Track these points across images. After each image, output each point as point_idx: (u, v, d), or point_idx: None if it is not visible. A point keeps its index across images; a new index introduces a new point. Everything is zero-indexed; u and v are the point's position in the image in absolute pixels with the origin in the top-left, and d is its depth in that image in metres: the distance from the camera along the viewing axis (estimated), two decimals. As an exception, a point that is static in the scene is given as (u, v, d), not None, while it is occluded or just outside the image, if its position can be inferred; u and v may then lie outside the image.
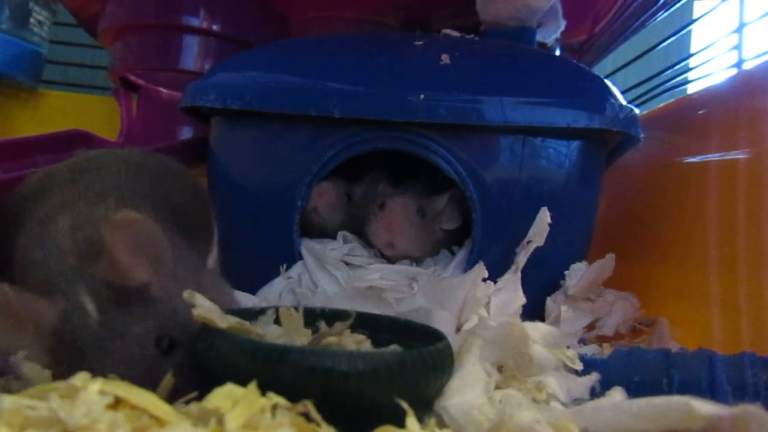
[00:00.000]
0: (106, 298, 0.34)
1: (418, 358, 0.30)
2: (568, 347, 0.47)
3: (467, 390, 0.32)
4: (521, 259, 0.53)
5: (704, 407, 0.26)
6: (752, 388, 0.33)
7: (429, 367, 0.30)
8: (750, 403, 0.26)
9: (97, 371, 0.30)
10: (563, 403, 0.35)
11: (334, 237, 0.59)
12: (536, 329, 0.42)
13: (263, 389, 0.27)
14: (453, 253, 0.59)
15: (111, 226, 0.32)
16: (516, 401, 0.32)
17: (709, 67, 0.72)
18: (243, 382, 0.28)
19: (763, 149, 0.51)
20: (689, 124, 0.64)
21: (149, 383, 0.30)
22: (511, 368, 0.36)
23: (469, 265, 0.55)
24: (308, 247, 0.57)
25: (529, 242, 0.53)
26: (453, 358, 0.33)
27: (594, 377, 0.37)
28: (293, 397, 0.27)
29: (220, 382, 0.28)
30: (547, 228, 0.53)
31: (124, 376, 0.30)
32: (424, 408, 0.32)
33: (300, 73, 0.55)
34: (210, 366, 0.31)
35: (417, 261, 0.58)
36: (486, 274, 0.50)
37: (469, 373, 0.33)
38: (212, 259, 0.48)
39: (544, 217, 0.53)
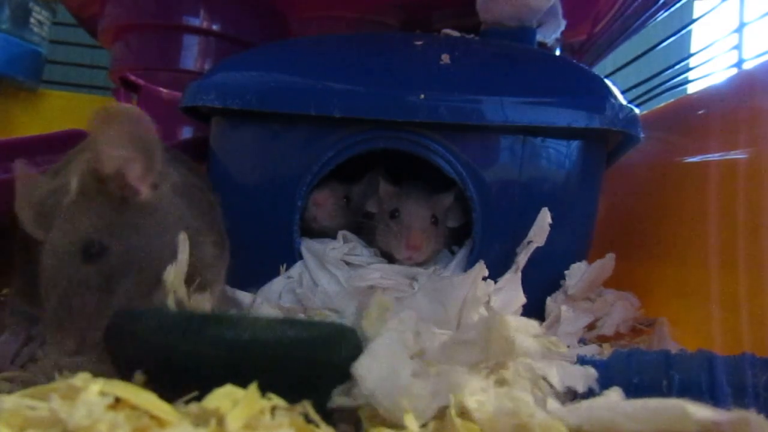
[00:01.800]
0: (89, 184, 0.34)
1: (313, 328, 0.31)
2: (568, 346, 0.48)
3: (381, 363, 0.31)
4: (521, 258, 0.53)
5: (699, 411, 0.26)
6: (752, 389, 0.33)
7: (328, 337, 0.31)
8: (750, 405, 0.26)
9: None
10: (557, 390, 0.35)
11: (334, 237, 0.59)
12: (517, 321, 0.42)
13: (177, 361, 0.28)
14: (453, 253, 0.59)
15: (100, 113, 0.33)
16: (513, 397, 0.32)
17: (709, 67, 0.72)
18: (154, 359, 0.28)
19: (763, 149, 0.51)
20: (689, 124, 0.64)
21: (63, 282, 0.32)
22: (497, 356, 0.35)
23: (469, 264, 0.55)
24: (308, 246, 0.57)
25: (529, 242, 0.53)
26: (355, 334, 0.33)
27: (589, 370, 0.37)
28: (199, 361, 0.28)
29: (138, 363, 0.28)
30: (548, 228, 0.53)
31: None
32: (333, 378, 0.31)
33: (300, 73, 0.55)
34: (130, 349, 0.31)
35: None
36: (486, 273, 0.50)
37: (379, 344, 0.32)
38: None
39: (545, 217, 0.53)
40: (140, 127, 0.34)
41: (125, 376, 0.29)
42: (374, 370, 0.30)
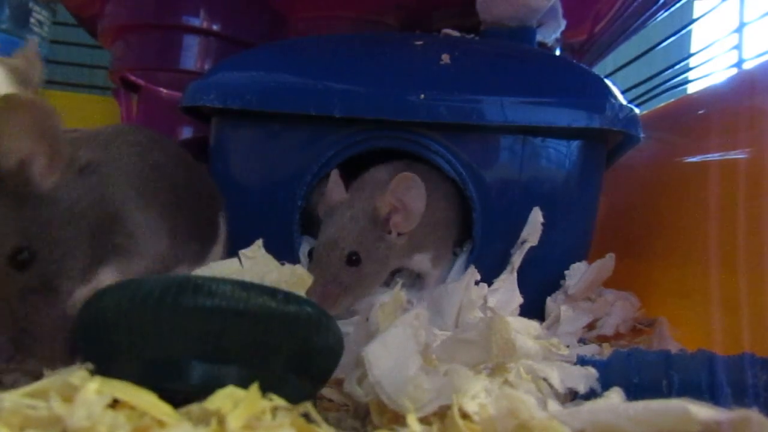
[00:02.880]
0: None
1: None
2: (568, 346, 0.48)
3: (391, 352, 0.31)
4: (516, 259, 0.53)
5: (701, 411, 0.26)
6: (752, 389, 0.33)
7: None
8: (750, 405, 0.26)
9: None
10: (557, 391, 0.35)
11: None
12: (518, 322, 0.42)
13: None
14: (455, 254, 0.59)
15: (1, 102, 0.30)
16: (515, 397, 0.32)
17: (709, 67, 0.72)
18: (130, 332, 0.27)
19: (763, 149, 0.51)
20: (689, 124, 0.64)
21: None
22: (498, 357, 0.36)
23: (469, 264, 0.55)
24: (309, 246, 0.57)
25: (523, 242, 0.53)
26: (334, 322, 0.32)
27: (590, 370, 0.37)
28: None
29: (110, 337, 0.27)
30: (541, 228, 0.53)
31: None
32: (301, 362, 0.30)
33: (300, 73, 0.55)
34: (97, 320, 0.29)
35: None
36: (478, 277, 0.50)
37: (391, 334, 0.32)
38: (216, 254, 0.48)
39: (537, 217, 0.53)
40: (41, 116, 0.30)
41: (102, 366, 0.28)
42: (383, 359, 0.30)
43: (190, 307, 0.27)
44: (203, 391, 0.26)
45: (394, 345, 0.31)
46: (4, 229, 0.30)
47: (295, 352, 0.29)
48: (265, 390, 0.27)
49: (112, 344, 0.28)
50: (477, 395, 0.30)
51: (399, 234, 0.50)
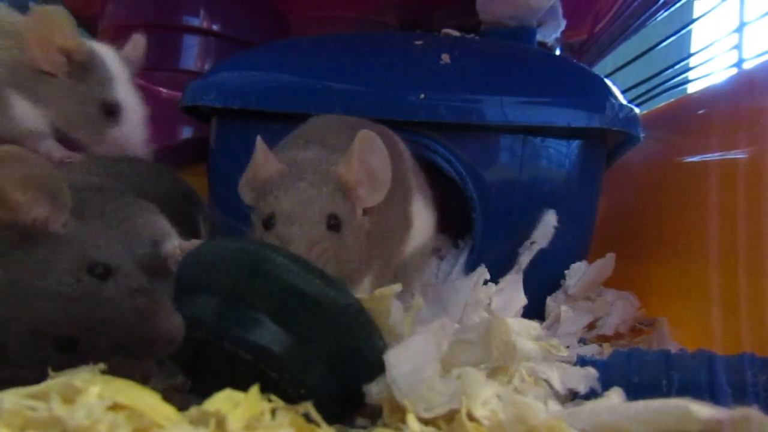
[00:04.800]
0: (8, 241, 0.30)
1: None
2: (568, 347, 0.48)
3: (412, 357, 0.31)
4: (524, 259, 0.53)
5: (702, 410, 0.26)
6: (752, 389, 0.33)
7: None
8: (749, 405, 0.26)
9: (28, 314, 0.29)
10: (558, 391, 0.35)
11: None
12: (518, 323, 0.42)
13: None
14: (457, 246, 0.59)
15: None
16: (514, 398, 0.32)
17: (709, 67, 0.72)
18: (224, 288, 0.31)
19: (763, 149, 0.51)
20: (689, 124, 0.64)
21: (93, 318, 0.29)
22: (498, 359, 0.36)
23: (469, 264, 0.55)
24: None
25: (532, 243, 0.53)
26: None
27: (590, 371, 0.37)
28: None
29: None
30: (553, 231, 0.53)
31: (59, 317, 0.29)
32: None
33: (300, 73, 0.55)
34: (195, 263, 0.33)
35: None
36: (487, 276, 0.50)
37: (415, 341, 0.32)
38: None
39: (550, 220, 0.53)
40: (33, 167, 0.30)
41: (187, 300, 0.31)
42: (403, 362, 0.31)
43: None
44: (255, 356, 0.30)
45: (415, 351, 0.32)
46: (68, 259, 0.31)
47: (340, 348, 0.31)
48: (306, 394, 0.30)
49: (200, 283, 0.32)
50: (488, 401, 0.30)
51: (364, 213, 0.40)
